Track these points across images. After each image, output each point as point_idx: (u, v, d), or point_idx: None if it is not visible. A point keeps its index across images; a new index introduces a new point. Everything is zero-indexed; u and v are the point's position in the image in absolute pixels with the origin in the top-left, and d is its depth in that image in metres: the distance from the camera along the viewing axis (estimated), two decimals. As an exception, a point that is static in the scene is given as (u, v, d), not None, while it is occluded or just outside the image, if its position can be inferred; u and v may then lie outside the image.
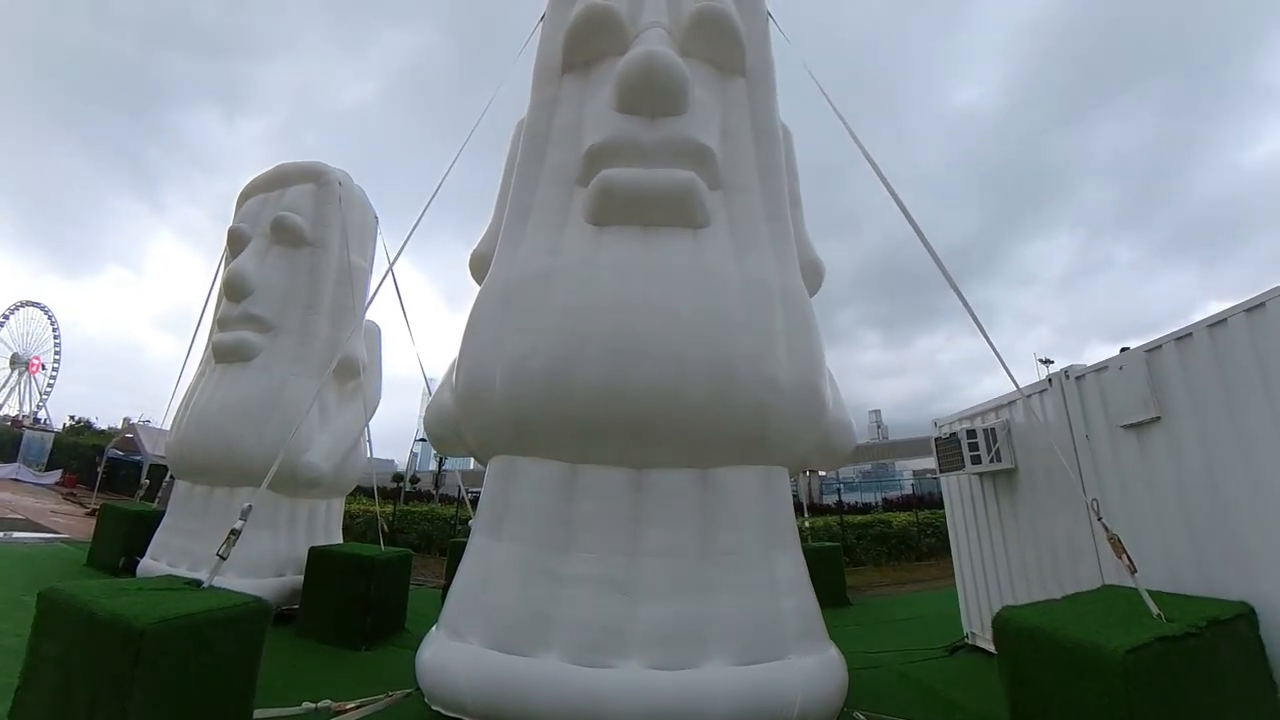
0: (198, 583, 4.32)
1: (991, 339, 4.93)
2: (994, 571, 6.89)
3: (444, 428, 5.78)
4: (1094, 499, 4.43)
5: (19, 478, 27.59)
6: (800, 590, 4.93)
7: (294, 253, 9.05)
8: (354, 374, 9.14)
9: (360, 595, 6.98)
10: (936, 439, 7.46)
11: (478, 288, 5.98)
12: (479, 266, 6.48)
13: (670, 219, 5.39)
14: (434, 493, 29.95)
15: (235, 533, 4.55)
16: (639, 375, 4.69)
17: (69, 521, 16.98)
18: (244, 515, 4.64)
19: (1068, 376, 5.65)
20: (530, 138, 6.15)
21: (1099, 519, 4.14)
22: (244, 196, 9.99)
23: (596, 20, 6.02)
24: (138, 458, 24.91)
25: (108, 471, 25.25)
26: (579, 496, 4.89)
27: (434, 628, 4.99)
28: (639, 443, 4.86)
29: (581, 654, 4.34)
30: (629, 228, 5.38)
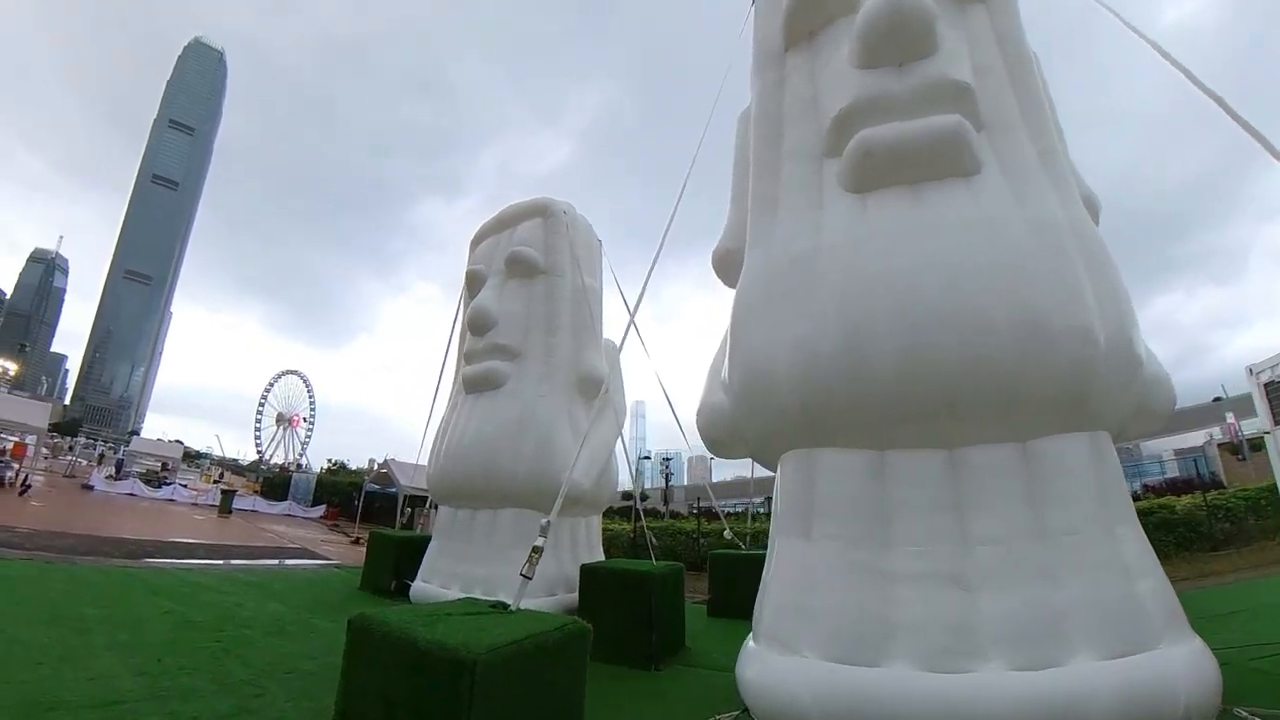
0: (504, 605, 4.13)
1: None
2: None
3: (719, 429, 5.66)
4: None
5: (291, 513, 33.27)
6: (1152, 570, 4.16)
7: (529, 283, 9.64)
8: (598, 389, 9.44)
9: (641, 612, 6.65)
10: (1268, 384, 6.43)
11: (724, 288, 5.82)
12: (723, 264, 6.38)
13: (938, 171, 4.86)
14: (663, 510, 30.93)
15: (538, 550, 4.47)
16: (939, 344, 4.24)
17: (337, 549, 19.60)
18: (543, 532, 4.58)
19: None
20: (761, 124, 5.93)
21: None
22: (475, 242, 10.92)
23: (822, -17, 5.68)
24: (392, 490, 28.71)
25: (365, 504, 29.27)
26: (891, 485, 4.48)
27: (748, 641, 4.74)
28: (949, 418, 4.37)
29: (934, 659, 3.91)
30: (894, 189, 4.93)
